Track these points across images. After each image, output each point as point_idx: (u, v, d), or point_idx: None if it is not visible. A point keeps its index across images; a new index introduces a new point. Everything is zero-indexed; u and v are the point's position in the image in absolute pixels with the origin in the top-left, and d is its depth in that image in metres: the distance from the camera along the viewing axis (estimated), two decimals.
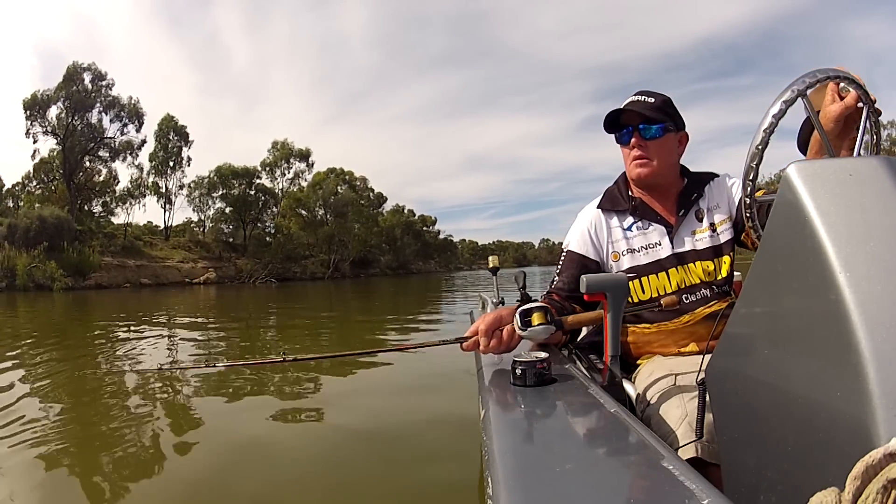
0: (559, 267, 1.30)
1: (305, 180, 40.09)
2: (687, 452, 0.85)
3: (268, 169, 39.13)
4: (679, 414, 0.93)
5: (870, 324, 0.47)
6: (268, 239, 36.98)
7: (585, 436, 0.68)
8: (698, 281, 1.19)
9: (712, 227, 1.22)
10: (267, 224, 38.30)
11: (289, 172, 39.93)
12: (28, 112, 29.50)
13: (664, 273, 1.21)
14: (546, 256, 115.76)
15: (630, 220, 1.26)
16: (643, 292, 1.21)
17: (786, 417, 0.56)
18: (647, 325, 1.22)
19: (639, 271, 1.22)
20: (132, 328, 7.93)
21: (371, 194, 44.99)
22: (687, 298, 1.18)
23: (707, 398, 0.80)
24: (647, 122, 1.19)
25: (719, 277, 1.19)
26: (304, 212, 38.22)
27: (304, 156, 40.17)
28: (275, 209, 38.90)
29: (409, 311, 10.55)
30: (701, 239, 1.22)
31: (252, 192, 37.37)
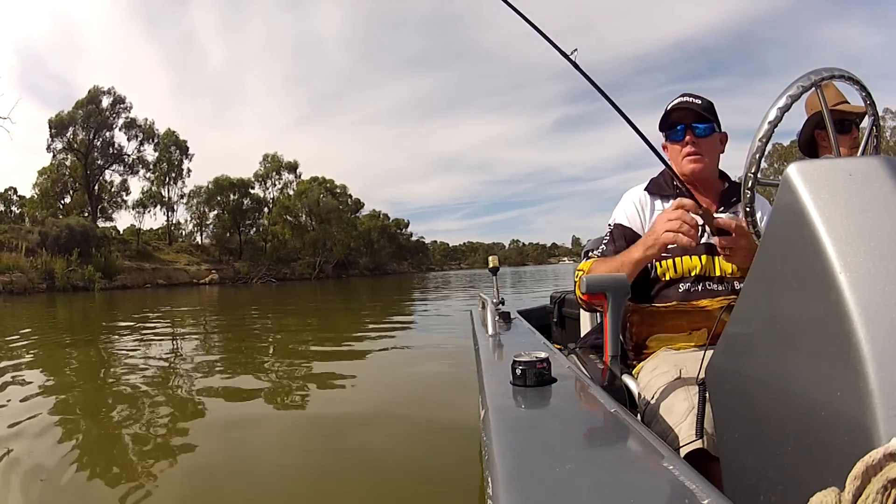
0: (607, 238, 1.36)
1: (293, 189, 44.27)
2: (693, 445, 0.86)
3: (260, 180, 43.65)
4: (686, 406, 0.93)
5: (870, 324, 0.47)
6: (261, 243, 41.02)
7: (585, 436, 0.68)
8: (727, 273, 1.24)
9: None
10: (251, 229, 42.27)
11: (279, 183, 44.46)
12: (53, 130, 33.96)
13: (696, 257, 1.25)
14: (516, 257, 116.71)
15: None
16: (675, 271, 1.26)
17: (786, 417, 0.56)
18: (664, 305, 1.25)
19: (672, 251, 1.27)
20: (194, 315, 10.28)
21: (349, 200, 48.73)
22: (710, 286, 1.23)
23: (707, 397, 0.80)
24: (698, 120, 1.27)
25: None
26: (290, 218, 42.18)
27: (293, 167, 44.88)
28: (265, 218, 42.93)
29: (405, 303, 10.72)
30: None
31: (247, 202, 41.74)
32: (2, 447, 2.40)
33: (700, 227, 1.28)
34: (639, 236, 1.30)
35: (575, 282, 1.34)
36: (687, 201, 1.13)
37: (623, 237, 1.32)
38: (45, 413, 3.04)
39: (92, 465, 2.24)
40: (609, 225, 1.38)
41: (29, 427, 2.74)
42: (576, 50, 1.22)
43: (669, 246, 1.26)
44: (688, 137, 1.28)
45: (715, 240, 1.19)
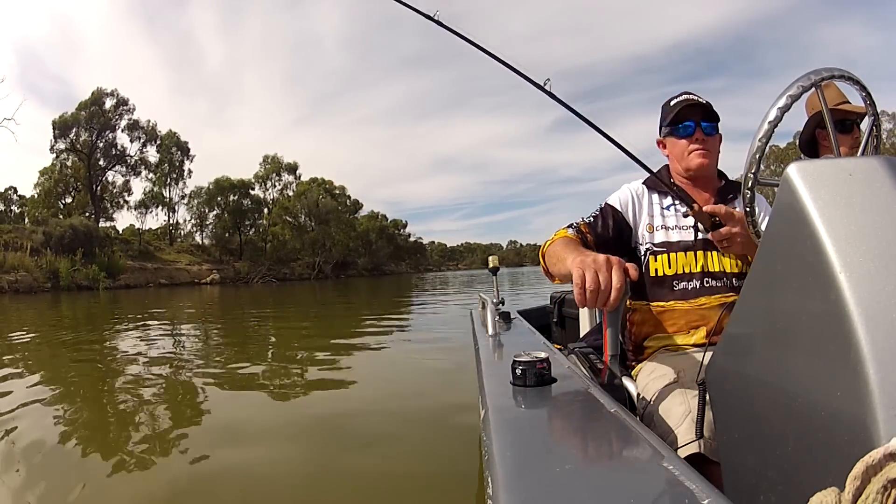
0: (596, 213, 1.36)
1: (293, 190, 44.82)
2: (689, 449, 0.86)
3: (260, 181, 44.19)
4: (683, 410, 0.93)
5: (870, 324, 0.47)
6: (261, 244, 41.50)
7: (585, 436, 0.68)
8: (723, 270, 1.24)
9: None
10: (251, 229, 42.66)
11: (278, 184, 45.05)
12: (57, 131, 34.38)
13: (692, 253, 1.26)
14: (513, 258, 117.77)
15: (669, 200, 1.34)
16: (669, 267, 1.26)
17: (786, 417, 0.56)
18: (662, 303, 1.25)
19: (669, 247, 1.28)
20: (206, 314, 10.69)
21: (348, 201, 49.24)
22: (707, 283, 1.23)
23: (707, 398, 0.80)
24: (706, 118, 1.30)
25: (744, 271, 1.24)
26: (289, 218, 42.70)
27: (293, 168, 45.63)
28: (265, 218, 43.35)
29: (403, 302, 10.77)
30: None
31: (247, 203, 42.19)
32: (4, 439, 2.40)
33: (694, 225, 1.29)
34: (626, 221, 1.32)
35: (547, 241, 1.29)
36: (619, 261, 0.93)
37: (611, 217, 1.33)
38: (46, 405, 3.05)
39: (91, 457, 2.24)
40: (599, 206, 1.39)
41: (31, 418, 2.75)
42: (549, 80, 1.33)
43: (670, 241, 1.27)
44: (697, 134, 1.30)
45: (710, 236, 1.20)
